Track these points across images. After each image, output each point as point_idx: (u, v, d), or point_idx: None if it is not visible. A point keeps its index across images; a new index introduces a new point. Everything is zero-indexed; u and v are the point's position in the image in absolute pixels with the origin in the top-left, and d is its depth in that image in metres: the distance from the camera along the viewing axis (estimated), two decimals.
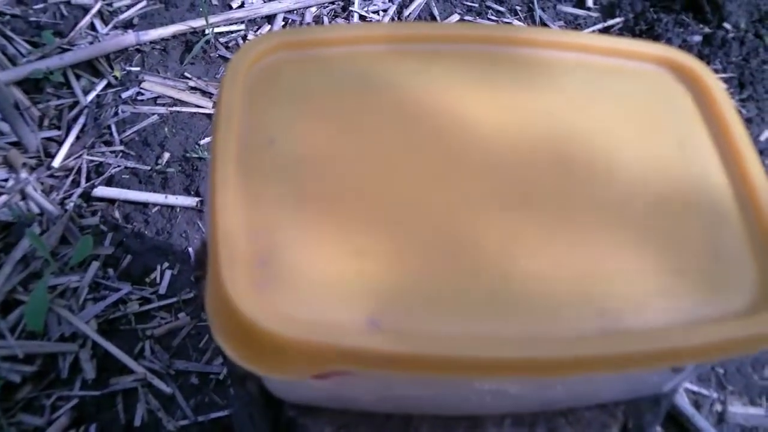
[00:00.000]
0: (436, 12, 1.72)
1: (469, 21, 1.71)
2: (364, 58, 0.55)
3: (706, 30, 1.69)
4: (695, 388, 1.18)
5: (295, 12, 1.70)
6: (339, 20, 1.69)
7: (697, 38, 1.66)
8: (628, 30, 1.73)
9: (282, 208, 0.45)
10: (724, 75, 1.60)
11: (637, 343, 0.41)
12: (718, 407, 1.17)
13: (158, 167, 1.42)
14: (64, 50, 1.59)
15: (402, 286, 0.43)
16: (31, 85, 1.55)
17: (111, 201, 1.39)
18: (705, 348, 0.42)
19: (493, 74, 0.55)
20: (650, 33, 1.69)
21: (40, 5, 1.69)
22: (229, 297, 0.40)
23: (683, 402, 1.15)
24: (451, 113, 0.51)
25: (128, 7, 1.70)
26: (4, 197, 1.39)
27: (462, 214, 0.46)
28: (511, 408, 0.54)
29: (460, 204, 0.46)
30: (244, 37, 1.64)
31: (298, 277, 0.42)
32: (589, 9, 1.80)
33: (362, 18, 1.70)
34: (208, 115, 1.51)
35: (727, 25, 1.68)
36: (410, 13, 1.71)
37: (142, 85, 1.55)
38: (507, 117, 0.51)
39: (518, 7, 1.77)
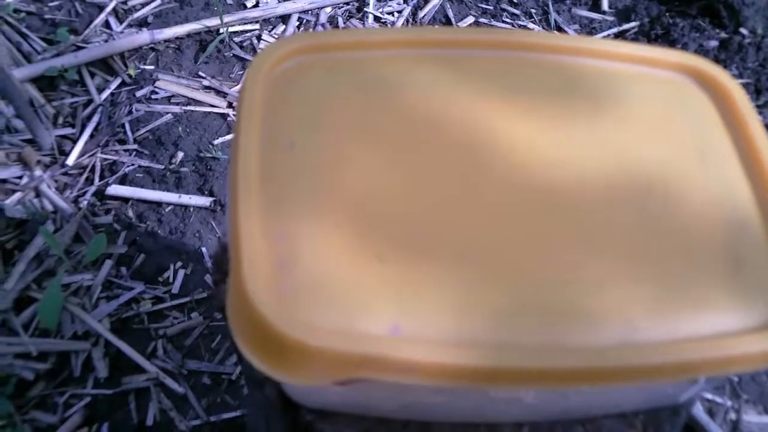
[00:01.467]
0: (450, 14, 1.72)
1: (484, 24, 1.70)
2: (385, 63, 0.55)
3: (723, 35, 1.68)
4: (709, 396, 1.18)
5: (309, 12, 1.70)
6: (353, 21, 1.69)
7: (714, 43, 1.65)
8: (644, 34, 1.72)
9: (303, 212, 0.45)
10: (740, 80, 1.59)
11: (660, 354, 0.41)
12: (733, 416, 1.16)
13: (172, 166, 1.42)
14: (79, 48, 1.60)
15: (424, 293, 0.42)
16: (46, 83, 1.55)
17: (124, 200, 1.39)
18: (728, 361, 0.42)
19: (514, 80, 0.55)
20: (666, 38, 1.68)
21: (56, 3, 1.69)
22: (251, 303, 0.40)
23: (698, 410, 1.14)
24: (472, 118, 0.51)
25: (143, 5, 1.70)
26: (18, 195, 1.39)
27: (484, 222, 0.45)
28: (529, 416, 0.54)
29: (483, 211, 0.46)
30: (259, 37, 1.64)
31: (320, 282, 0.42)
32: (604, 13, 1.79)
33: (377, 19, 1.69)
34: (222, 115, 1.51)
35: (743, 31, 1.68)
36: (425, 15, 1.71)
37: (156, 84, 1.55)
38: (528, 123, 0.51)
39: (533, 10, 1.76)
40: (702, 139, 0.53)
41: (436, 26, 1.65)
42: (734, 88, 0.55)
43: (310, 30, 1.65)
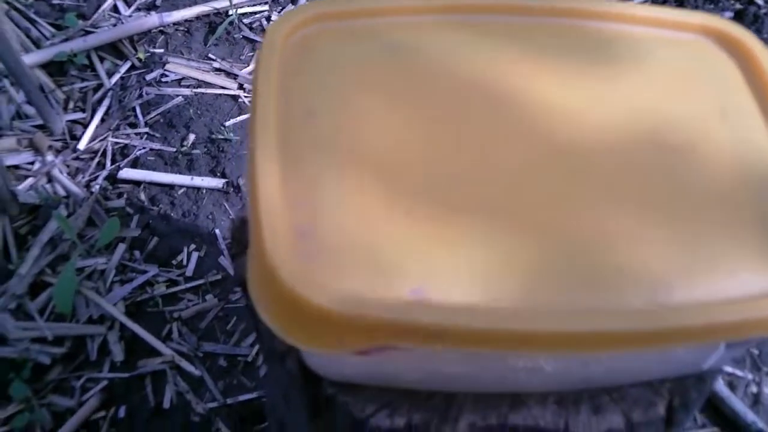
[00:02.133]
0: None
1: None
2: (403, 29, 0.54)
3: (738, 6, 1.66)
4: (730, 370, 1.17)
5: None
6: None
7: (729, 14, 1.63)
8: (658, 5, 1.70)
9: (323, 178, 0.44)
10: None
11: (691, 316, 0.40)
12: (754, 388, 1.15)
13: (184, 149, 1.42)
14: (88, 33, 1.59)
15: (448, 258, 0.41)
16: (56, 68, 1.55)
17: (137, 183, 1.39)
18: (759, 323, 0.41)
19: (534, 45, 0.54)
20: (680, 8, 1.65)
21: None
22: (272, 270, 0.39)
23: (718, 383, 1.13)
24: (493, 81, 0.50)
25: None
26: (31, 180, 1.39)
27: (509, 181, 0.44)
28: (553, 385, 0.53)
29: (507, 170, 0.45)
30: (268, 18, 1.63)
31: (342, 247, 0.41)
32: None
33: None
34: (233, 97, 1.50)
35: (759, 1, 1.65)
36: None
37: (166, 67, 1.55)
38: (550, 85, 0.50)
39: None
40: (726, 100, 0.52)
41: None
42: (759, 49, 0.54)
43: None
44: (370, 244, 0.41)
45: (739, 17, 1.62)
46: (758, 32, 1.59)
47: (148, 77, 1.54)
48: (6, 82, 1.49)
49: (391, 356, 0.43)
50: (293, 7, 1.66)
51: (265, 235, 0.40)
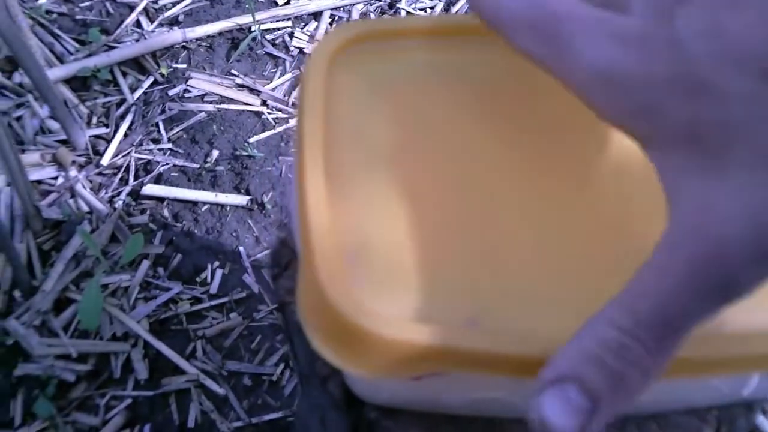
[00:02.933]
0: None
1: None
2: (451, 50, 0.53)
3: None
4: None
5: (341, 9, 1.68)
6: (386, 17, 1.67)
7: None
8: None
9: (373, 203, 0.43)
10: None
11: (733, 347, 0.39)
12: None
13: (207, 165, 1.41)
14: (111, 48, 1.59)
15: (500, 285, 0.40)
16: (79, 83, 1.55)
17: (160, 199, 1.38)
18: None
19: None
20: None
21: (86, 3, 1.69)
22: (324, 294, 0.38)
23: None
24: (542, 109, 0.49)
25: (174, 4, 1.69)
26: (54, 195, 1.38)
27: (559, 215, 0.43)
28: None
29: (557, 204, 0.44)
30: (291, 35, 1.63)
31: (393, 273, 0.41)
32: None
33: (409, 15, 1.68)
34: (257, 113, 1.50)
35: None
36: (458, 10, 1.69)
37: (188, 83, 1.54)
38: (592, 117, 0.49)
39: None
40: None
41: None
42: None
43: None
44: (420, 270, 0.40)
45: None
46: None
47: (171, 93, 1.53)
48: (30, 97, 1.50)
49: (440, 382, 0.42)
50: (316, 23, 1.66)
51: (316, 258, 0.39)
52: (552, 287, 0.40)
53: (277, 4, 1.68)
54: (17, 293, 1.24)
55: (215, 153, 1.43)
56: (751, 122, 0.22)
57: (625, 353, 0.26)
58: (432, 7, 1.69)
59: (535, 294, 0.40)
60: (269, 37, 1.63)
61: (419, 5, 1.70)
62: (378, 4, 1.70)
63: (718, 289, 0.25)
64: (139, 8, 1.68)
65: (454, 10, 1.68)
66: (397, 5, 1.69)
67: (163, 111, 1.51)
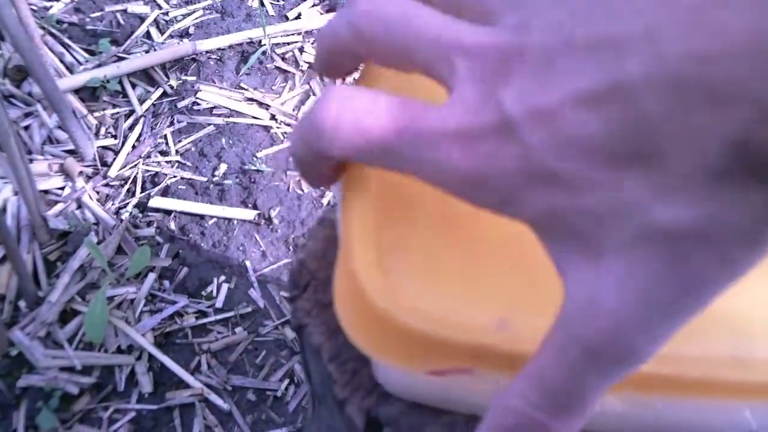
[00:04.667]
0: None
1: None
2: None
3: None
4: None
5: None
6: None
7: None
8: None
9: (411, 200, 0.44)
10: None
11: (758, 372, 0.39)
12: None
13: (215, 179, 1.41)
14: (121, 59, 1.59)
15: (532, 288, 0.41)
16: (88, 94, 1.55)
17: (167, 212, 1.38)
18: None
19: None
20: None
21: (97, 14, 1.69)
22: (362, 285, 0.39)
23: None
24: None
25: (184, 16, 1.70)
26: (61, 206, 1.38)
27: None
28: (620, 426, 0.52)
29: None
30: (301, 49, 1.63)
31: (428, 270, 0.41)
32: None
33: None
34: (265, 127, 1.50)
35: None
36: None
37: (197, 95, 1.54)
38: None
39: None
40: None
41: None
42: None
43: None
44: (456, 269, 0.41)
45: None
46: None
47: (180, 105, 1.53)
48: (39, 107, 1.50)
49: (465, 379, 0.42)
50: None
51: (354, 248, 0.40)
52: None
53: (287, 19, 1.68)
54: (22, 303, 1.23)
55: (223, 167, 1.43)
56: (609, 209, 0.22)
57: (534, 427, 0.27)
58: None
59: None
60: (279, 51, 1.63)
61: None
62: None
63: (613, 365, 0.25)
64: (150, 20, 1.68)
65: None
66: None
67: (171, 123, 1.51)
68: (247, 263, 1.31)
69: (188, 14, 1.70)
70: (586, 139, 0.21)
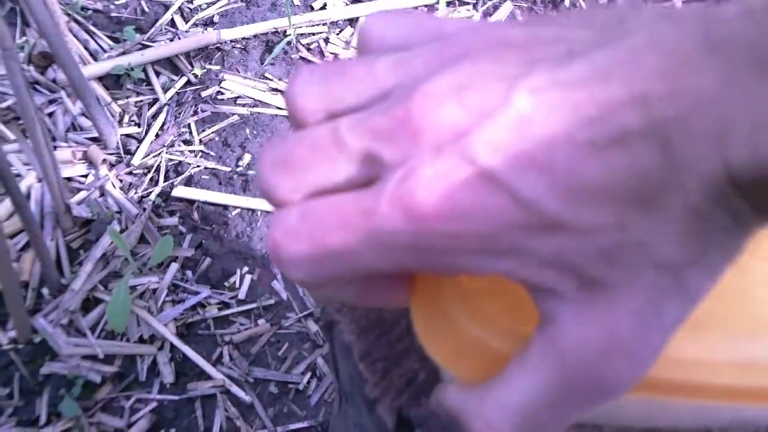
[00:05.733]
0: None
1: None
2: None
3: None
4: None
5: None
6: None
7: None
8: None
9: None
10: None
11: None
12: None
13: (239, 169, 1.40)
14: (145, 47, 1.59)
15: None
16: (112, 81, 1.54)
17: (190, 201, 1.38)
18: None
19: None
20: None
21: (122, 1, 1.68)
22: (454, 319, 0.38)
23: None
24: None
25: (209, 4, 1.69)
26: (84, 193, 1.38)
27: None
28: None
29: None
30: (326, 40, 1.62)
31: (507, 288, 0.40)
32: None
33: None
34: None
35: None
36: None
37: (222, 84, 1.54)
38: None
39: None
40: None
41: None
42: None
43: None
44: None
45: None
46: None
47: (204, 94, 1.53)
48: (63, 94, 1.49)
49: None
50: (352, 29, 1.64)
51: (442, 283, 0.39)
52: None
53: (312, 9, 1.67)
54: (45, 291, 1.23)
55: (247, 157, 1.42)
56: (618, 249, 0.23)
57: None
58: (469, 17, 1.68)
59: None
60: (304, 41, 1.62)
61: (455, 16, 1.68)
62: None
63: (607, 395, 0.26)
64: (174, 8, 1.67)
65: (491, 20, 1.67)
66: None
67: (195, 112, 1.50)
68: None
69: (213, 2, 1.69)
70: (588, 186, 0.22)
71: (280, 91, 1.53)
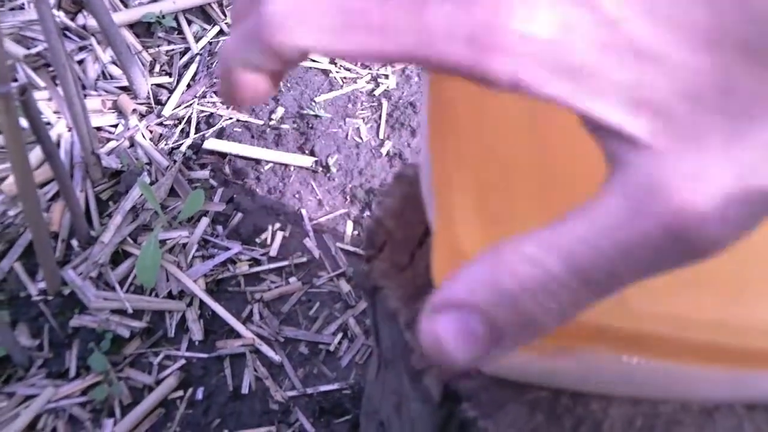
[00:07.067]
0: None
1: None
2: None
3: None
4: None
5: None
6: None
7: None
8: None
9: (515, 173, 0.40)
10: None
11: None
12: None
13: (272, 122, 1.37)
14: None
15: None
16: (143, 29, 1.51)
17: (221, 155, 1.34)
18: None
19: None
20: None
21: None
22: (466, 257, 0.36)
23: None
24: None
25: None
26: (113, 144, 1.35)
27: None
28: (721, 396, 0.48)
29: None
30: None
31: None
32: None
33: None
34: (324, 71, 1.45)
35: None
36: None
37: None
38: None
39: None
40: None
41: None
42: None
43: None
44: None
45: None
46: None
47: None
48: (93, 41, 1.46)
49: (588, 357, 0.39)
50: None
51: (460, 231, 0.37)
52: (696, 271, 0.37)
53: None
54: (75, 242, 1.21)
55: (280, 110, 1.39)
56: (713, 92, 0.21)
57: (546, 298, 0.23)
58: None
59: (681, 278, 0.37)
60: None
61: None
62: None
63: (679, 251, 0.23)
64: None
65: None
66: None
67: None
68: (303, 211, 1.28)
69: None
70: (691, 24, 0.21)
71: None
